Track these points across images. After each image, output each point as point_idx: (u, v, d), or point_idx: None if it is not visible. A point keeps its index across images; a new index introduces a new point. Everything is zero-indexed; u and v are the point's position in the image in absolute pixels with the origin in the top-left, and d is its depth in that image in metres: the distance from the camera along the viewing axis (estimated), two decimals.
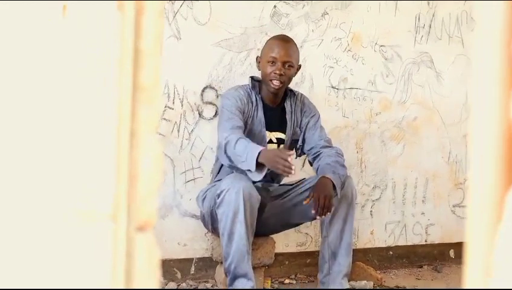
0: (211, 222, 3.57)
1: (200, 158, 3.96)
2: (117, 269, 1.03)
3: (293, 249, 4.22)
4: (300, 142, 3.75)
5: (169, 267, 3.84)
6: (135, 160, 1.04)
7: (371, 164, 4.47)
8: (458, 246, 4.66)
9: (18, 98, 1.02)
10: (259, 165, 3.26)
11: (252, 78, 3.71)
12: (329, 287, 3.58)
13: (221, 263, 3.60)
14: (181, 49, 3.88)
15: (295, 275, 4.19)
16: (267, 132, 3.64)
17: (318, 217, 3.42)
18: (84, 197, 1.02)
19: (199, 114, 3.96)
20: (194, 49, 3.92)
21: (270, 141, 3.68)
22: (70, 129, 1.01)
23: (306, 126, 3.74)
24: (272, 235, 3.79)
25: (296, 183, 3.72)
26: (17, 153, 1.02)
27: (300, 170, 4.12)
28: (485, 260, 0.89)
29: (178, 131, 3.92)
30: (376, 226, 4.49)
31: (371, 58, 4.43)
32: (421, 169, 4.63)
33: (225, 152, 3.35)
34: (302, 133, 3.74)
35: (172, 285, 3.76)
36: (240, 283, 3.35)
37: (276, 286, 3.97)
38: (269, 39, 3.73)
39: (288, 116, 3.71)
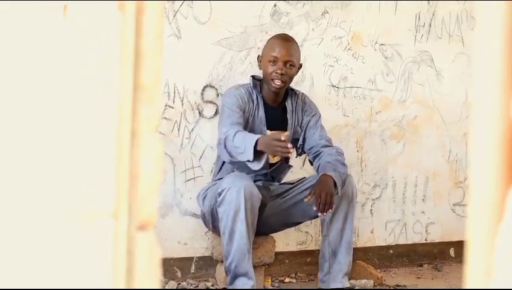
0: (212, 221, 3.57)
1: (201, 157, 3.96)
2: (118, 268, 1.03)
3: (293, 248, 4.23)
4: (300, 141, 3.75)
5: (170, 266, 3.84)
6: (136, 159, 1.04)
7: (371, 163, 4.47)
8: (458, 245, 4.66)
9: (19, 98, 1.02)
10: (257, 154, 3.25)
11: (253, 77, 3.71)
12: (329, 286, 3.58)
13: (222, 261, 3.60)
14: (181, 48, 3.88)
15: (295, 274, 4.19)
16: (268, 131, 3.64)
17: (320, 214, 3.42)
18: (86, 197, 1.02)
19: (199, 113, 3.96)
20: (194, 48, 3.92)
21: None
22: (72, 129, 1.02)
23: (307, 125, 3.74)
24: (272, 234, 3.79)
25: (296, 182, 3.72)
26: (19, 152, 1.02)
27: (300, 169, 4.12)
28: (486, 260, 0.89)
29: (178, 130, 3.92)
30: (376, 225, 4.49)
31: (371, 57, 4.44)
32: (421, 168, 4.63)
33: (225, 147, 3.34)
34: (303, 132, 3.74)
35: (172, 284, 3.76)
36: (241, 281, 3.35)
37: (276, 284, 3.98)
38: (270, 38, 3.73)
39: (289, 116, 3.71)
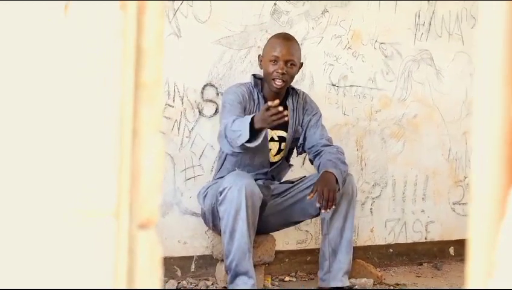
0: (212, 219, 3.57)
1: (201, 156, 3.96)
2: (119, 267, 1.03)
3: (293, 246, 4.23)
4: (301, 141, 3.75)
5: (170, 265, 3.84)
6: (137, 158, 1.04)
7: (371, 162, 4.47)
8: (458, 244, 4.67)
9: (20, 97, 1.02)
10: (255, 134, 3.24)
11: (254, 76, 3.71)
12: (329, 285, 3.59)
13: (222, 260, 3.61)
14: (181, 47, 3.89)
15: (295, 273, 4.19)
16: (268, 129, 3.64)
17: (323, 211, 3.42)
18: (87, 196, 1.02)
19: (199, 112, 3.96)
20: (194, 47, 3.92)
21: (272, 139, 3.69)
22: (73, 128, 1.02)
23: (307, 124, 3.74)
24: (272, 233, 3.79)
25: (296, 181, 3.72)
26: (20, 152, 1.02)
27: (300, 168, 4.13)
28: (488, 258, 0.89)
29: (178, 129, 3.92)
30: (376, 223, 4.50)
31: (371, 56, 4.44)
32: (421, 166, 4.63)
33: (225, 136, 3.34)
34: (304, 132, 3.74)
35: (172, 283, 3.76)
36: (241, 280, 3.35)
37: (276, 283, 3.98)
38: (271, 38, 3.73)
39: (290, 114, 3.71)
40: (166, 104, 3.86)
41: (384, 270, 4.37)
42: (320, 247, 3.68)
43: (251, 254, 3.38)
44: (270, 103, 3.16)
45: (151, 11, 1.03)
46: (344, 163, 3.59)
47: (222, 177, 3.54)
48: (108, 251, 1.02)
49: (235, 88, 3.63)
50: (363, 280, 3.92)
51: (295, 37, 3.75)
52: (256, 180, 3.51)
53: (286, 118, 3.19)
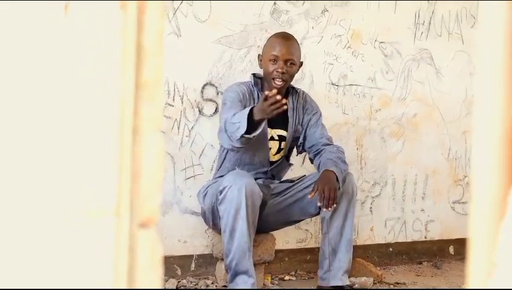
0: (212, 218, 3.57)
1: (200, 155, 3.96)
2: (120, 266, 1.03)
3: (293, 245, 4.23)
4: (301, 140, 3.75)
5: (170, 264, 3.84)
6: (138, 157, 1.04)
7: (370, 161, 4.47)
8: (458, 243, 4.67)
9: (21, 97, 1.02)
10: (254, 126, 3.24)
11: (254, 75, 3.71)
12: (329, 284, 3.58)
13: (222, 259, 3.61)
14: (181, 46, 3.89)
15: (295, 272, 4.19)
16: (268, 128, 3.64)
17: (325, 210, 3.42)
18: (87, 195, 1.02)
19: (199, 111, 3.96)
20: (194, 46, 3.93)
21: (272, 138, 3.69)
22: (74, 127, 1.02)
23: (308, 124, 3.74)
24: (272, 232, 3.79)
25: (296, 180, 3.72)
26: (21, 151, 1.02)
27: (300, 167, 4.13)
28: (488, 258, 0.89)
29: (178, 128, 3.92)
30: (376, 222, 4.50)
31: (371, 55, 4.44)
32: (421, 165, 4.63)
33: (225, 131, 3.33)
34: (304, 131, 3.74)
35: (172, 282, 3.76)
36: (241, 279, 3.35)
37: (276, 282, 3.98)
38: (270, 37, 3.73)
39: (290, 114, 3.71)
40: (166, 104, 3.86)
41: (384, 269, 4.37)
42: (320, 246, 3.68)
43: (251, 253, 3.38)
44: (267, 93, 3.16)
45: (152, 11, 1.03)
46: (344, 162, 3.59)
47: (222, 176, 3.54)
48: (109, 250, 1.02)
49: (236, 86, 3.63)
50: (363, 278, 3.93)
51: (295, 37, 3.75)
52: (256, 179, 3.51)
53: (285, 107, 3.19)
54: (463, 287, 3.88)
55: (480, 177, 0.92)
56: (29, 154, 1.02)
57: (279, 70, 3.55)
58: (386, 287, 3.97)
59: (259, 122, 3.24)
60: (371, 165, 4.47)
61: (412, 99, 4.58)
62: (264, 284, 3.78)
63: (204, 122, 3.97)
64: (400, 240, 4.57)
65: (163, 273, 1.13)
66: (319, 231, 4.08)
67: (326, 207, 3.39)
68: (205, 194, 3.61)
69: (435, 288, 4.01)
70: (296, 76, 3.91)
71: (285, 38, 3.65)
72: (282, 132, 3.71)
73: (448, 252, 4.72)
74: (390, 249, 4.54)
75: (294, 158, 3.96)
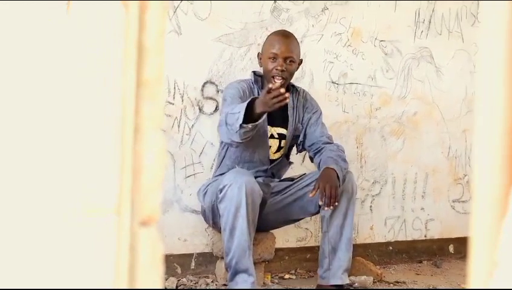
0: (212, 217, 3.57)
1: (201, 153, 3.96)
2: (121, 264, 1.03)
3: (293, 244, 4.23)
4: (301, 138, 3.75)
5: (170, 263, 3.85)
6: (139, 155, 1.04)
7: (370, 159, 4.47)
8: (458, 241, 4.68)
9: (23, 96, 1.02)
10: (252, 117, 3.24)
11: (254, 72, 3.71)
12: (329, 283, 3.58)
13: (222, 258, 3.61)
14: (181, 44, 3.89)
15: (295, 270, 4.19)
16: (268, 126, 3.65)
17: (326, 208, 3.42)
18: (89, 193, 1.02)
19: (199, 109, 3.96)
20: (195, 44, 3.92)
21: (272, 136, 3.69)
22: (75, 125, 1.02)
23: (308, 122, 3.74)
24: (272, 231, 3.79)
25: (296, 178, 3.72)
26: (22, 150, 1.02)
27: (300, 166, 4.13)
28: (489, 258, 0.89)
29: (178, 126, 3.92)
30: (376, 221, 4.50)
31: (371, 53, 4.44)
32: (421, 164, 4.64)
33: (226, 124, 3.32)
34: (304, 129, 3.74)
35: (172, 280, 3.76)
36: (241, 278, 3.35)
37: (276, 281, 3.98)
38: (269, 35, 3.73)
39: (290, 112, 3.71)
40: (166, 102, 3.86)
41: (384, 267, 4.37)
42: (320, 245, 3.68)
43: (251, 251, 3.38)
44: (271, 86, 3.16)
45: (153, 10, 1.03)
46: (345, 160, 3.59)
47: (222, 174, 3.54)
48: (110, 248, 1.03)
49: (236, 84, 3.63)
50: (363, 277, 3.93)
51: (295, 35, 3.75)
52: (256, 177, 3.51)
53: (287, 100, 3.19)
54: (463, 286, 3.89)
55: (481, 176, 0.92)
56: (30, 153, 1.02)
57: (279, 68, 3.55)
58: (386, 286, 3.98)
59: (260, 115, 3.24)
60: (371, 163, 4.47)
61: (412, 97, 4.58)
62: (264, 282, 3.78)
63: (204, 120, 3.97)
64: (399, 239, 4.57)
65: (163, 271, 1.13)
66: (319, 230, 4.08)
67: (328, 206, 3.39)
68: (205, 193, 3.61)
69: (434, 287, 4.01)
70: (296, 74, 3.91)
71: (285, 36, 3.65)
72: (282, 130, 3.71)
73: (448, 251, 4.72)
74: (390, 248, 4.54)
75: (294, 157, 3.96)
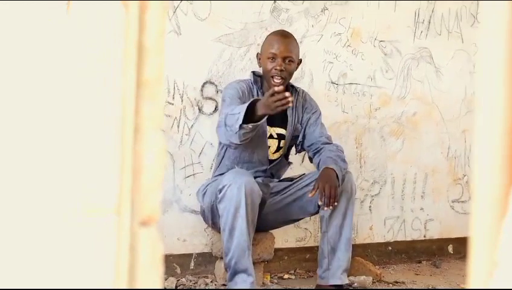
0: (211, 217, 3.57)
1: (200, 153, 3.96)
2: (121, 264, 1.03)
3: (292, 244, 4.23)
4: (300, 138, 3.75)
5: (169, 263, 3.85)
6: (139, 155, 1.04)
7: (370, 159, 4.47)
8: (457, 242, 4.68)
9: (23, 95, 1.03)
10: (252, 119, 3.24)
11: (254, 73, 3.71)
12: (328, 283, 3.58)
13: (221, 258, 3.61)
14: (181, 44, 3.89)
15: (294, 271, 4.20)
16: (268, 126, 3.64)
17: (326, 208, 3.42)
18: (89, 193, 1.02)
19: (199, 109, 3.96)
20: (194, 45, 3.92)
21: (271, 136, 3.69)
22: (75, 125, 1.02)
23: (307, 123, 3.74)
24: (271, 231, 3.79)
25: (296, 178, 3.72)
26: (23, 150, 1.02)
27: (300, 166, 4.13)
28: (489, 258, 0.90)
29: (178, 126, 3.92)
30: (375, 221, 4.50)
31: (371, 54, 4.44)
32: (420, 164, 4.64)
33: (225, 125, 3.32)
34: (303, 129, 3.74)
35: (171, 280, 3.76)
36: (240, 278, 3.35)
37: (275, 281, 3.98)
38: (268, 35, 3.73)
39: (289, 112, 3.71)
40: (165, 102, 3.86)
41: (383, 268, 4.37)
42: (319, 245, 3.69)
43: (250, 251, 3.38)
44: (276, 88, 3.17)
45: (153, 10, 1.03)
46: (344, 161, 3.59)
47: (221, 174, 3.54)
48: (110, 248, 1.03)
49: (235, 84, 3.63)
50: (362, 277, 3.93)
51: (295, 35, 3.75)
52: (255, 177, 3.51)
53: (290, 104, 3.20)
54: (462, 286, 3.89)
55: (481, 176, 0.92)
56: (31, 153, 1.02)
57: (278, 67, 3.55)
58: (385, 286, 3.98)
59: (261, 118, 3.24)
60: (371, 163, 4.48)
61: (412, 98, 4.58)
62: (263, 282, 3.78)
63: (204, 120, 3.97)
64: (399, 239, 4.57)
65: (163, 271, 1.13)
66: (318, 230, 4.08)
67: (327, 205, 3.39)
68: (204, 193, 3.61)
69: (434, 287, 4.01)
70: (296, 74, 3.91)
71: (283, 36, 3.65)
72: (282, 130, 3.71)
73: (447, 251, 4.72)
74: (390, 248, 4.54)
75: (294, 157, 3.96)
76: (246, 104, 3.22)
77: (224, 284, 3.64)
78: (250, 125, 3.22)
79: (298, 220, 3.88)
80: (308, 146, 3.72)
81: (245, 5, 4.05)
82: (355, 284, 3.87)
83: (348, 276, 3.69)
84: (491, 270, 0.89)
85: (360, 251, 4.29)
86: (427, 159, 4.65)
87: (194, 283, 3.80)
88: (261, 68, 3.66)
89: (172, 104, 3.89)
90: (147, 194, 1.06)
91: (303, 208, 3.65)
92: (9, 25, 1.02)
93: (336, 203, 3.41)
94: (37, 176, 1.02)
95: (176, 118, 3.91)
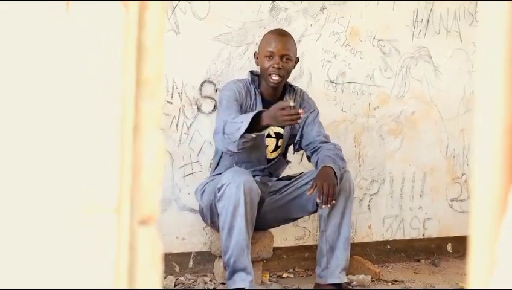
0: (210, 216, 3.57)
1: (199, 152, 3.97)
2: (120, 262, 1.03)
3: (291, 243, 4.23)
4: (298, 137, 3.75)
5: (168, 261, 3.85)
6: (138, 154, 1.05)
7: (369, 158, 4.48)
8: (455, 240, 4.68)
9: (23, 94, 1.03)
10: (255, 128, 3.24)
11: (251, 72, 3.71)
12: (327, 281, 3.59)
13: (220, 256, 3.61)
14: (180, 43, 3.89)
15: (293, 269, 4.20)
16: None
17: (324, 206, 3.42)
18: (88, 192, 1.02)
19: (198, 108, 3.96)
20: (193, 44, 3.93)
21: (269, 135, 3.69)
22: (75, 124, 1.02)
23: (305, 121, 3.74)
24: (270, 229, 3.80)
25: (294, 177, 3.73)
26: (23, 148, 1.02)
27: (298, 165, 4.13)
28: (489, 257, 0.90)
29: (177, 125, 3.92)
30: (374, 220, 4.50)
31: (369, 53, 4.44)
32: (419, 163, 4.64)
33: (223, 132, 3.32)
34: (301, 129, 3.74)
35: (170, 279, 3.76)
36: (239, 276, 3.35)
37: (274, 279, 3.98)
38: (265, 34, 3.73)
39: None
40: (164, 101, 3.86)
41: (382, 266, 4.37)
42: (318, 243, 3.69)
43: (249, 250, 3.38)
44: (291, 104, 3.17)
45: (153, 10, 1.03)
46: (342, 159, 3.60)
47: (219, 174, 3.54)
48: (110, 247, 1.03)
49: (232, 84, 3.63)
50: (361, 276, 3.93)
51: (293, 34, 3.75)
52: (253, 176, 3.51)
53: (299, 121, 3.21)
54: (461, 285, 3.89)
55: (480, 175, 0.92)
56: (31, 152, 1.02)
57: (275, 66, 3.55)
58: (384, 285, 3.98)
59: (264, 128, 3.25)
60: (369, 162, 4.48)
61: (410, 97, 4.59)
62: (262, 281, 3.79)
63: (202, 119, 3.97)
64: (397, 238, 4.58)
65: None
66: (317, 229, 4.08)
67: (325, 203, 3.39)
68: (203, 192, 3.61)
69: (432, 286, 4.01)
70: (295, 73, 3.91)
71: (281, 34, 3.65)
72: (279, 130, 3.71)
73: (446, 249, 4.72)
74: (388, 247, 4.54)
75: (293, 156, 3.96)
76: (250, 116, 3.22)
77: (223, 283, 3.64)
78: (253, 135, 3.24)
79: (297, 218, 3.88)
80: (306, 145, 3.72)
81: (244, 4, 4.05)
82: (354, 283, 3.87)
83: (347, 275, 3.69)
84: (491, 269, 0.90)
85: (359, 249, 4.29)
86: (426, 158, 4.65)
87: (193, 282, 3.80)
88: (259, 67, 3.66)
89: (171, 103, 3.89)
90: (147, 193, 1.06)
91: (302, 207, 3.65)
92: (9, 25, 1.03)
93: (333, 201, 3.42)
94: (36, 175, 1.03)
95: (174, 116, 3.91)
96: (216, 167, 3.69)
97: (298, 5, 4.22)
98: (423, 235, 4.67)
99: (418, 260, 4.60)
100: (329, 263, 3.58)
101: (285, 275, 4.10)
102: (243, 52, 4.05)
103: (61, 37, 1.02)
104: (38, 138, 1.02)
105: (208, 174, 3.83)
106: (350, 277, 3.85)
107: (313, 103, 3.82)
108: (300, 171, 3.82)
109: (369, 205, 4.49)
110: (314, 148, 3.67)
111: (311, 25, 4.26)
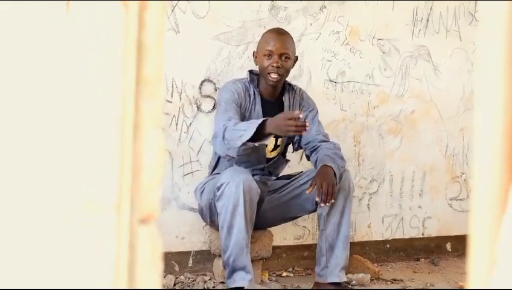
0: (209, 215, 3.58)
1: (198, 151, 3.97)
2: (120, 261, 1.04)
3: (290, 242, 4.24)
4: (297, 137, 3.75)
5: (168, 260, 3.85)
6: (138, 153, 1.05)
7: (368, 157, 4.48)
8: (455, 239, 4.68)
9: (24, 94, 1.03)
10: (259, 136, 3.24)
11: (251, 71, 3.71)
12: (326, 280, 3.59)
13: (219, 256, 3.61)
14: (179, 42, 3.89)
15: (293, 268, 4.20)
16: None
17: (322, 205, 3.42)
18: (88, 191, 1.02)
19: (197, 107, 3.97)
20: (193, 43, 3.93)
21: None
22: (75, 124, 1.02)
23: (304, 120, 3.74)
24: (269, 228, 3.80)
25: (294, 176, 3.73)
26: (23, 148, 1.02)
27: (298, 164, 4.13)
28: (489, 256, 0.90)
29: (176, 124, 3.92)
30: (373, 219, 4.50)
31: (369, 52, 4.44)
32: (419, 162, 4.64)
33: (223, 138, 3.32)
34: None
35: (170, 278, 3.77)
36: (239, 275, 3.36)
37: (273, 278, 3.98)
38: (264, 33, 3.73)
39: (286, 111, 3.71)
40: (164, 100, 3.86)
41: (382, 265, 4.37)
42: (317, 242, 3.69)
43: (248, 249, 3.38)
44: (301, 116, 3.16)
45: (153, 10, 1.03)
46: (342, 158, 3.60)
47: (218, 173, 3.54)
48: (110, 246, 1.03)
49: (231, 85, 3.62)
50: (360, 275, 3.93)
51: (293, 33, 3.75)
52: (253, 175, 3.51)
53: (304, 133, 3.21)
54: (461, 284, 3.89)
55: (480, 174, 0.93)
56: (31, 152, 1.02)
57: (274, 64, 3.55)
58: (383, 284, 3.98)
59: (267, 136, 3.25)
60: (369, 161, 4.48)
61: (410, 96, 4.59)
62: (261, 280, 3.79)
63: (202, 118, 3.97)
64: (397, 237, 4.58)
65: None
66: (316, 228, 4.08)
67: (325, 202, 3.40)
68: (202, 191, 3.61)
69: (432, 285, 4.01)
70: (294, 72, 3.92)
71: (279, 33, 3.66)
72: None
73: (445, 248, 4.72)
74: (388, 246, 4.54)
75: (292, 155, 3.96)
76: (255, 125, 3.20)
77: (222, 282, 3.64)
78: (255, 144, 3.24)
79: (296, 217, 3.89)
80: (305, 144, 3.72)
81: (243, 4, 4.05)
82: (354, 281, 3.87)
83: (346, 274, 3.70)
84: (491, 268, 0.90)
85: (358, 248, 4.29)
86: (425, 157, 4.65)
87: (193, 281, 3.80)
88: (258, 66, 3.66)
89: (171, 102, 3.89)
90: (147, 192, 1.06)
91: (301, 206, 3.65)
92: (9, 25, 1.03)
93: (333, 200, 3.42)
94: (36, 175, 1.03)
95: (174, 116, 3.91)
96: (215, 166, 3.69)
97: (298, 4, 4.22)
98: (423, 234, 4.67)
99: (418, 259, 4.60)
100: (329, 262, 3.59)
101: (284, 274, 4.10)
102: (243, 51, 4.05)
103: (61, 37, 1.02)
104: (39, 138, 1.02)
105: (207, 173, 3.83)
106: (349, 275, 3.86)
107: (313, 102, 3.82)
108: (300, 170, 3.82)
109: (368, 204, 4.49)
110: (313, 147, 3.67)
111: (310, 24, 4.26)
